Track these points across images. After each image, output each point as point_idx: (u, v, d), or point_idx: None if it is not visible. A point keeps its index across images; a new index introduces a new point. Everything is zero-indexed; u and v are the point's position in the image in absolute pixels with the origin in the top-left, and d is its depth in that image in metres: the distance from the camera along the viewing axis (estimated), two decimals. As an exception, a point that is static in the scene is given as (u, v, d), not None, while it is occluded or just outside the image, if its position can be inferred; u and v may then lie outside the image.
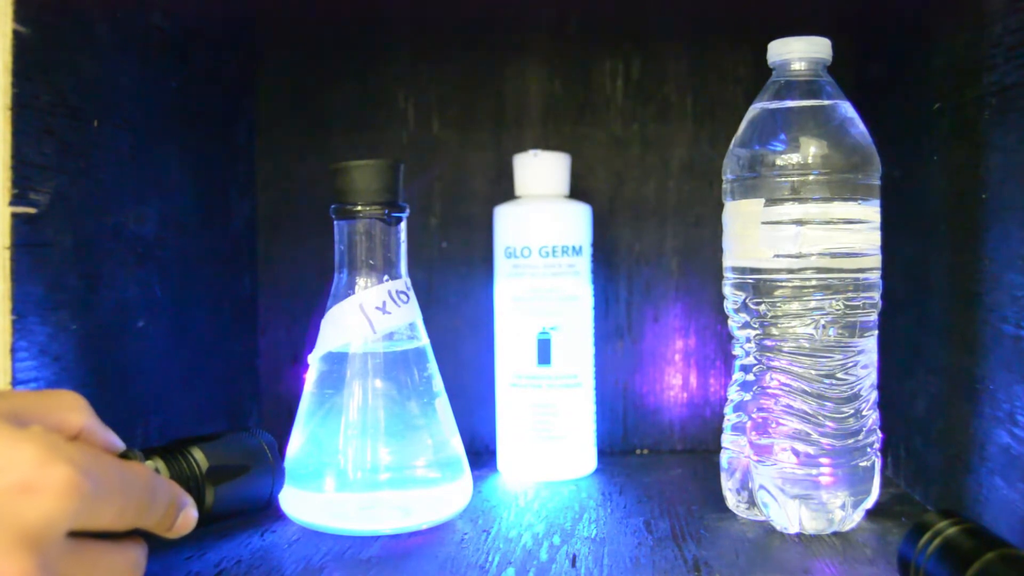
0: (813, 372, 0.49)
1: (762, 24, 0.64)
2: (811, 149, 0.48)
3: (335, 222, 0.52)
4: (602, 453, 0.65)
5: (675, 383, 0.69)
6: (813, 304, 0.48)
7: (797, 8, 0.65)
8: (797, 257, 0.48)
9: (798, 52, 0.50)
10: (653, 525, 0.52)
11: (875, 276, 0.50)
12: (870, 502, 0.50)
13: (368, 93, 0.69)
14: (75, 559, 0.32)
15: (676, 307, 0.69)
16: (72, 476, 0.30)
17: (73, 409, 0.35)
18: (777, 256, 0.49)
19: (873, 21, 0.64)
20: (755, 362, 0.50)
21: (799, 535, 0.49)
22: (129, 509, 0.33)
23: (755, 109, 0.51)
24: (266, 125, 0.69)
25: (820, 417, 0.48)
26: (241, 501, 0.46)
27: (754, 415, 0.50)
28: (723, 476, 0.53)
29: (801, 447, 0.49)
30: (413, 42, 0.69)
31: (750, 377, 0.51)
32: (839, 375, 0.49)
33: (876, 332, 0.50)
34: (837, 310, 0.48)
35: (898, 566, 0.39)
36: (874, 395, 0.50)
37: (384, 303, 0.51)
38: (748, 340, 0.51)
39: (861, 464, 0.49)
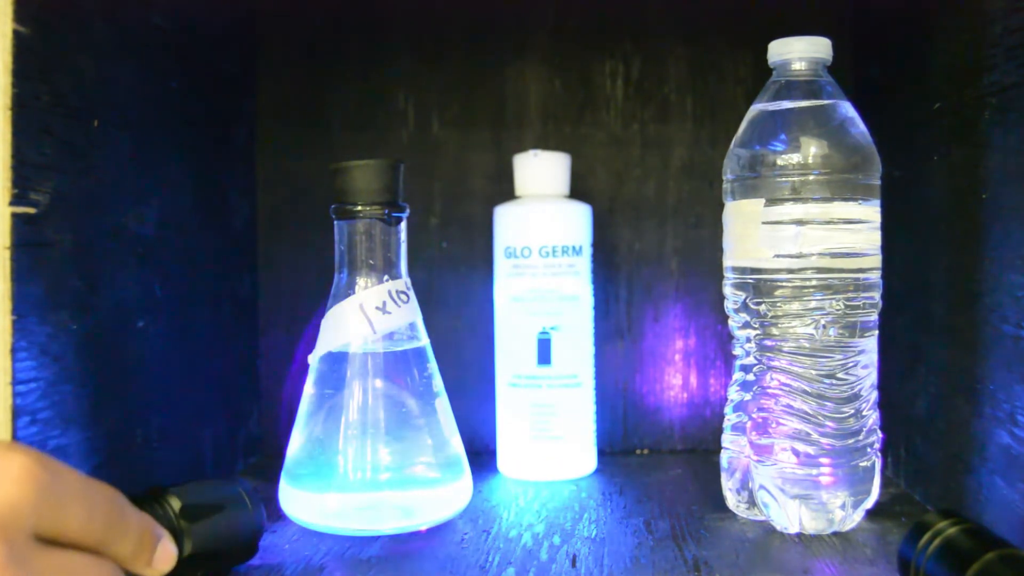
0: (813, 372, 0.49)
1: (762, 24, 0.64)
2: (811, 149, 0.48)
3: (335, 222, 0.52)
4: (602, 453, 0.65)
5: (675, 383, 0.69)
6: (813, 304, 0.48)
7: (797, 8, 0.65)
8: (797, 257, 0.48)
9: (798, 52, 0.50)
10: (653, 525, 0.52)
11: (875, 276, 0.50)
12: (870, 502, 0.50)
13: (368, 93, 0.69)
14: (47, 561, 0.31)
15: (676, 307, 0.69)
16: (30, 464, 0.29)
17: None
18: (777, 256, 0.49)
19: (873, 21, 0.64)
20: (755, 362, 0.50)
21: (799, 535, 0.49)
22: (96, 520, 0.32)
23: (755, 109, 0.51)
24: (266, 125, 0.69)
25: (820, 417, 0.48)
26: (221, 547, 0.43)
27: (754, 415, 0.50)
28: (723, 476, 0.53)
29: (801, 447, 0.49)
30: (413, 42, 0.69)
31: (750, 377, 0.51)
32: (839, 375, 0.49)
33: (876, 332, 0.50)
34: (837, 310, 0.48)
35: (898, 566, 0.39)
36: (874, 395, 0.50)
37: (384, 303, 0.51)
38: (748, 340, 0.51)
39: (861, 464, 0.49)
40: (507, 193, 0.64)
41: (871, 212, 0.49)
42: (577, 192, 0.64)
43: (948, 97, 0.52)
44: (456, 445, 0.53)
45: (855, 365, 0.49)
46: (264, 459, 0.68)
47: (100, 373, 0.46)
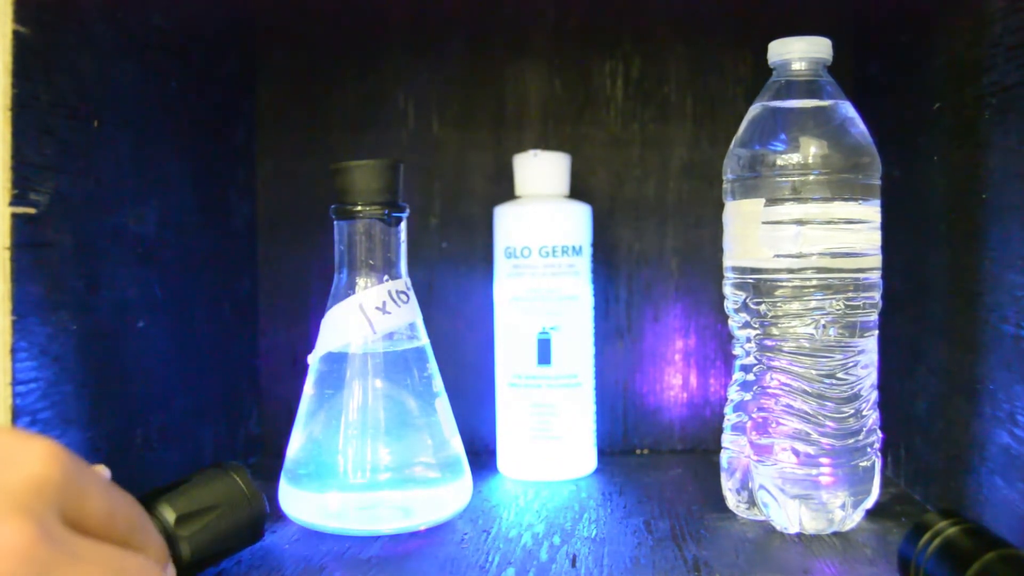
0: (813, 372, 0.49)
1: (762, 24, 0.64)
2: (811, 149, 0.48)
3: (335, 222, 0.52)
4: (602, 453, 0.65)
5: (675, 383, 0.69)
6: (813, 304, 0.48)
7: (797, 8, 0.65)
8: (797, 257, 0.48)
9: (798, 52, 0.50)
10: (653, 525, 0.52)
11: (875, 276, 0.50)
12: (870, 502, 0.50)
13: (368, 93, 0.69)
14: (85, 546, 0.30)
15: (676, 307, 0.69)
16: (55, 448, 0.30)
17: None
18: (777, 256, 0.49)
19: (873, 21, 0.64)
20: (755, 362, 0.50)
21: (799, 535, 0.49)
22: (119, 519, 0.32)
23: (755, 109, 0.51)
24: (266, 125, 0.69)
25: (820, 417, 0.48)
26: (222, 543, 0.42)
27: (754, 415, 0.50)
28: (723, 476, 0.53)
29: (801, 447, 0.49)
30: (413, 42, 0.69)
31: (750, 377, 0.51)
32: (839, 375, 0.49)
33: (876, 332, 0.50)
34: (837, 310, 0.48)
35: (898, 566, 0.39)
36: (874, 395, 0.50)
37: (384, 303, 0.51)
38: (748, 340, 0.51)
39: (861, 464, 0.49)
40: (507, 193, 0.64)
41: (871, 212, 0.49)
42: (577, 192, 0.64)
43: (948, 97, 0.52)
44: (456, 445, 0.53)
45: (855, 365, 0.49)
46: (264, 459, 0.68)
47: (100, 373, 0.46)
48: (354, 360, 0.51)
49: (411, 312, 0.52)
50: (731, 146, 0.51)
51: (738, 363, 0.52)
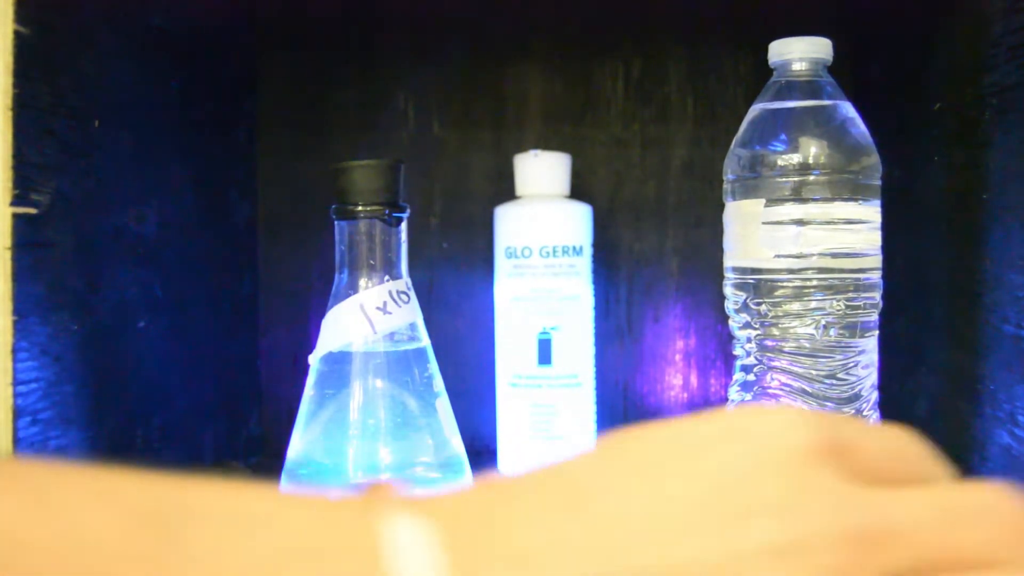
0: (814, 372, 0.49)
1: (762, 24, 0.64)
2: (812, 149, 0.48)
3: (335, 222, 0.52)
4: (602, 453, 0.65)
5: (676, 383, 0.69)
6: (814, 304, 0.48)
7: (797, 8, 0.65)
8: (798, 257, 0.48)
9: (799, 52, 0.50)
10: (654, 525, 0.52)
11: (876, 276, 0.50)
12: (871, 502, 0.50)
13: (368, 93, 0.69)
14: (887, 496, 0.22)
15: (676, 307, 0.69)
16: (801, 413, 0.23)
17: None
18: (778, 256, 0.49)
19: (873, 21, 0.64)
20: (756, 362, 0.50)
21: (800, 535, 0.49)
22: (896, 453, 0.25)
23: (756, 109, 0.51)
24: (267, 125, 0.69)
25: (821, 417, 0.48)
26: None
27: (755, 415, 0.50)
28: (724, 476, 0.53)
29: (802, 447, 0.49)
30: (413, 42, 0.69)
31: (751, 377, 0.51)
32: (840, 375, 0.49)
33: (877, 332, 0.50)
34: (838, 310, 0.48)
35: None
36: (875, 395, 0.50)
37: (385, 303, 0.51)
38: (749, 340, 0.51)
39: (862, 464, 0.49)
40: (507, 193, 0.64)
41: (871, 212, 0.49)
42: (577, 192, 0.64)
43: (948, 97, 0.52)
44: (456, 445, 0.53)
45: (855, 365, 0.49)
46: (265, 459, 0.68)
47: (101, 373, 0.46)
48: (355, 360, 0.51)
49: (412, 312, 0.52)
50: (731, 146, 0.51)
51: (738, 363, 0.52)
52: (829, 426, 0.23)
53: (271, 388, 0.70)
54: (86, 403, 0.44)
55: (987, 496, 0.23)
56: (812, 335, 0.48)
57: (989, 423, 0.47)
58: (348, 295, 0.51)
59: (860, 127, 0.50)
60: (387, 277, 0.52)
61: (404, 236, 0.53)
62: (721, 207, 0.53)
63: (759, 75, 0.54)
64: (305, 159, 0.69)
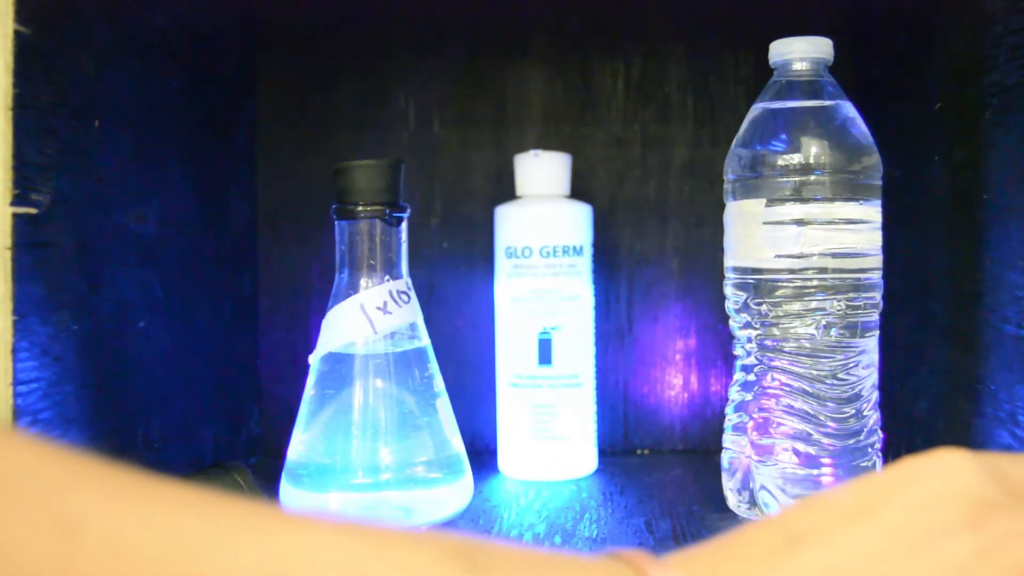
0: (814, 372, 0.49)
1: (763, 24, 0.64)
2: (812, 149, 0.48)
3: (336, 222, 0.52)
4: (603, 453, 0.65)
5: (676, 383, 0.69)
6: (814, 304, 0.48)
7: (798, 8, 0.65)
8: (798, 257, 0.48)
9: (800, 52, 0.50)
10: (654, 525, 0.52)
11: (876, 276, 0.50)
12: (871, 502, 0.50)
13: (369, 93, 0.69)
14: None
15: (677, 307, 0.69)
16: (960, 456, 0.28)
17: None
18: (778, 256, 0.49)
19: (873, 21, 0.64)
20: (756, 362, 0.50)
21: (800, 535, 0.49)
22: None
23: (756, 109, 0.51)
24: (267, 125, 0.69)
25: (821, 417, 0.48)
26: None
27: (755, 415, 0.50)
28: (724, 476, 0.53)
29: (802, 447, 0.49)
30: (414, 42, 0.69)
31: (751, 377, 0.51)
32: (840, 375, 0.49)
33: (877, 332, 0.50)
34: (838, 310, 0.48)
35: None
36: (875, 395, 0.50)
37: (385, 303, 0.51)
38: (749, 340, 0.51)
39: (862, 464, 0.49)
40: (508, 193, 0.64)
41: (872, 212, 0.49)
42: (578, 192, 0.64)
43: (948, 97, 0.52)
44: (457, 445, 0.53)
45: (856, 365, 0.49)
46: (265, 459, 0.68)
47: (101, 373, 0.46)
48: (355, 360, 0.51)
49: (412, 312, 0.52)
50: (732, 146, 0.51)
51: (739, 363, 0.52)
52: (988, 459, 0.28)
53: (271, 388, 0.70)
54: (86, 403, 0.44)
55: None
56: (813, 335, 0.48)
57: (990, 423, 0.47)
58: (348, 295, 0.51)
59: (861, 127, 0.50)
60: (387, 277, 0.52)
61: (404, 236, 0.53)
62: (721, 207, 0.53)
63: (760, 75, 0.54)
64: (305, 159, 0.69)
